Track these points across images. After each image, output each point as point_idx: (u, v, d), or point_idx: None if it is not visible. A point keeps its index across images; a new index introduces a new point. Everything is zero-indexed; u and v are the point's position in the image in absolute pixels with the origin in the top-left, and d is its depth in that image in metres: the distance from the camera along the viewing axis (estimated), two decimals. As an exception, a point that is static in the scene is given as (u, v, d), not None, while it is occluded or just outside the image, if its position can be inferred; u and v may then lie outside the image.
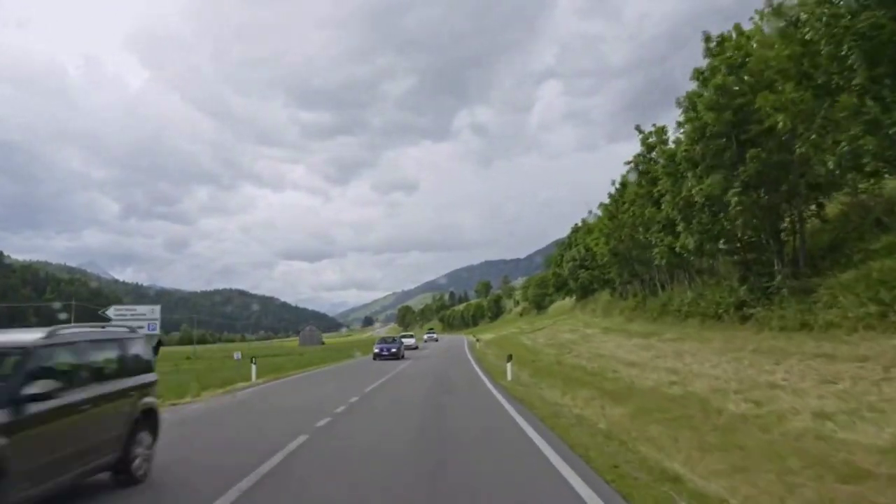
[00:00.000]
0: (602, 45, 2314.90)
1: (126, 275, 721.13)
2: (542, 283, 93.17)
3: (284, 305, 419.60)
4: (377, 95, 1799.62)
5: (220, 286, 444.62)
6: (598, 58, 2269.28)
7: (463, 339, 69.77)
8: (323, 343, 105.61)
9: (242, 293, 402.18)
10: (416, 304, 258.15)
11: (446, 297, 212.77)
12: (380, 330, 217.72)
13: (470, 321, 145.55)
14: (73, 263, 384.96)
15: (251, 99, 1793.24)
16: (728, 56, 19.12)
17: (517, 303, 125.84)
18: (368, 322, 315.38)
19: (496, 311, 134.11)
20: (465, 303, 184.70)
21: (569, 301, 69.87)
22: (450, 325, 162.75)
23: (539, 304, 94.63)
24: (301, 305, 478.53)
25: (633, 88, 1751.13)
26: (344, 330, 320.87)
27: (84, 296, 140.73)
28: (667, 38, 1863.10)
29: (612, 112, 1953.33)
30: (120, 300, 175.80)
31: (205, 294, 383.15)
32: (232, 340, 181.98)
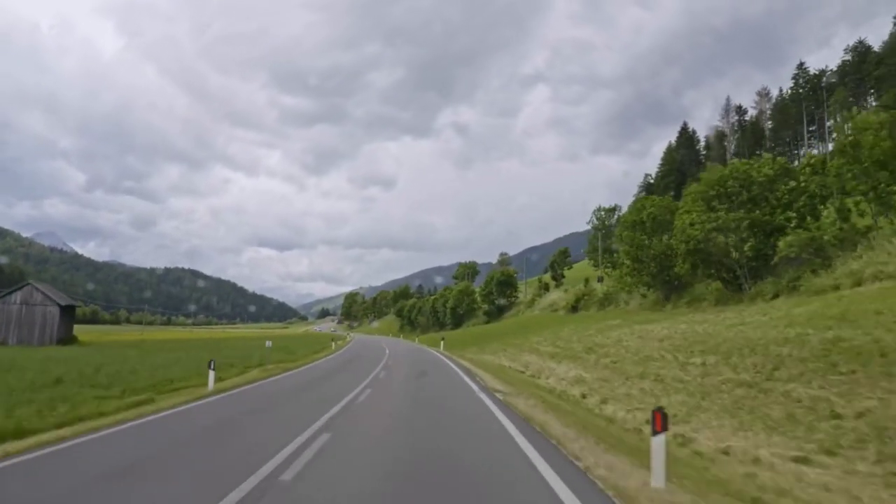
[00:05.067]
0: (593, 54, 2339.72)
1: (88, 249, 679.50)
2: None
3: (241, 290, 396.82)
4: (361, 85, 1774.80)
5: (182, 266, 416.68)
6: (587, 65, 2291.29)
7: (444, 362, 27.82)
8: (65, 340, 44.37)
9: (195, 273, 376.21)
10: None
11: (412, 289, 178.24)
12: (324, 326, 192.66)
13: (447, 318, 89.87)
14: (28, 233, 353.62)
15: (230, 77, 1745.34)
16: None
17: (550, 284, 70.13)
18: (324, 314, 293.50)
19: (500, 303, 76.53)
20: (442, 289, 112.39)
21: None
22: (411, 322, 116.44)
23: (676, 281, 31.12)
24: (266, 294, 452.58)
25: (620, 100, 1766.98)
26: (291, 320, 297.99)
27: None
28: (660, 52, 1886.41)
29: (598, 123, 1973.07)
30: (19, 270, 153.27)
31: (153, 272, 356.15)
32: (152, 323, 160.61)
